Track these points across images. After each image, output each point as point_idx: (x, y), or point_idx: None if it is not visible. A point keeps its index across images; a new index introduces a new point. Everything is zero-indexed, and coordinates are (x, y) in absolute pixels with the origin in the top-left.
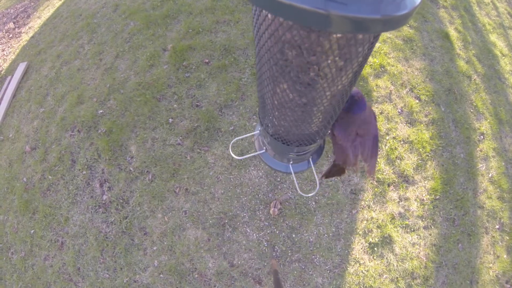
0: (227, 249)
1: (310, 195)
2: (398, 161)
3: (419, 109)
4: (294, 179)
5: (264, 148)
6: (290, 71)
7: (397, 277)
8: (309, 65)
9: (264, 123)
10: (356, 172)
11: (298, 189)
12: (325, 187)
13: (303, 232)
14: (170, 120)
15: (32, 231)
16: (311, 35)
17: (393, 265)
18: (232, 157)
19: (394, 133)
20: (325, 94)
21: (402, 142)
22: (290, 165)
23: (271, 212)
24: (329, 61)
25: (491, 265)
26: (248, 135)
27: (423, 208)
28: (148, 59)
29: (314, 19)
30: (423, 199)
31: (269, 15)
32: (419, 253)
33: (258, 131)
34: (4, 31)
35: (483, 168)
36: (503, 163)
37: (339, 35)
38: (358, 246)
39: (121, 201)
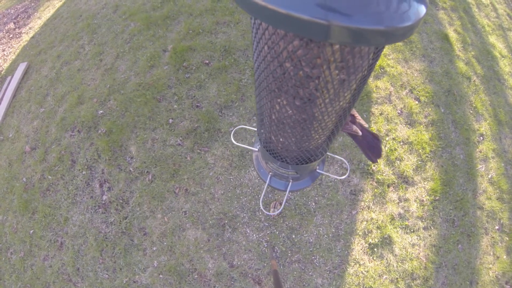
0: (227, 250)
1: (275, 213)
2: (398, 162)
3: (418, 110)
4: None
5: (262, 164)
6: (290, 86)
7: (397, 278)
8: (309, 79)
9: (262, 140)
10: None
11: (261, 204)
12: (324, 187)
13: (303, 232)
14: (170, 120)
15: (32, 231)
16: (311, 47)
17: (393, 265)
18: (233, 143)
19: (393, 134)
20: (326, 110)
21: (401, 143)
22: (290, 183)
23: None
24: (330, 75)
25: (490, 265)
26: (251, 128)
27: (422, 209)
28: (148, 59)
29: (315, 30)
30: (422, 200)
31: (270, 28)
32: (419, 253)
33: (257, 149)
34: (4, 31)
35: (483, 169)
36: (503, 164)
37: (340, 47)
38: (358, 247)
39: (121, 201)
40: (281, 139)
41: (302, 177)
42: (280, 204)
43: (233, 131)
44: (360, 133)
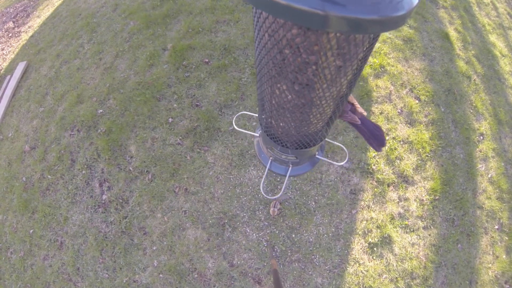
0: (226, 249)
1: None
2: (398, 161)
3: (418, 109)
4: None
5: (263, 149)
6: (289, 71)
7: (397, 277)
8: (308, 65)
9: (263, 125)
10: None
11: (261, 188)
12: (324, 187)
13: (303, 232)
14: (170, 119)
15: (31, 230)
16: (309, 35)
17: (393, 265)
18: (234, 128)
19: (393, 133)
20: (324, 95)
21: (401, 143)
22: (290, 168)
23: (270, 212)
24: (327, 61)
25: (490, 265)
26: (253, 114)
27: (422, 208)
28: (148, 58)
29: (312, 19)
30: (422, 200)
31: (270, 17)
32: (419, 253)
33: (258, 134)
34: (3, 30)
35: (483, 168)
36: (503, 164)
37: (337, 35)
38: (358, 246)
39: (121, 201)
40: (281, 124)
41: (302, 162)
42: (280, 203)
43: (234, 117)
44: (359, 121)
